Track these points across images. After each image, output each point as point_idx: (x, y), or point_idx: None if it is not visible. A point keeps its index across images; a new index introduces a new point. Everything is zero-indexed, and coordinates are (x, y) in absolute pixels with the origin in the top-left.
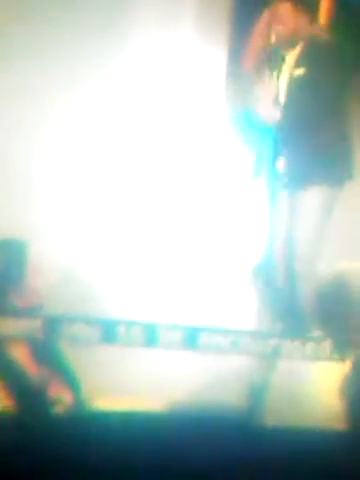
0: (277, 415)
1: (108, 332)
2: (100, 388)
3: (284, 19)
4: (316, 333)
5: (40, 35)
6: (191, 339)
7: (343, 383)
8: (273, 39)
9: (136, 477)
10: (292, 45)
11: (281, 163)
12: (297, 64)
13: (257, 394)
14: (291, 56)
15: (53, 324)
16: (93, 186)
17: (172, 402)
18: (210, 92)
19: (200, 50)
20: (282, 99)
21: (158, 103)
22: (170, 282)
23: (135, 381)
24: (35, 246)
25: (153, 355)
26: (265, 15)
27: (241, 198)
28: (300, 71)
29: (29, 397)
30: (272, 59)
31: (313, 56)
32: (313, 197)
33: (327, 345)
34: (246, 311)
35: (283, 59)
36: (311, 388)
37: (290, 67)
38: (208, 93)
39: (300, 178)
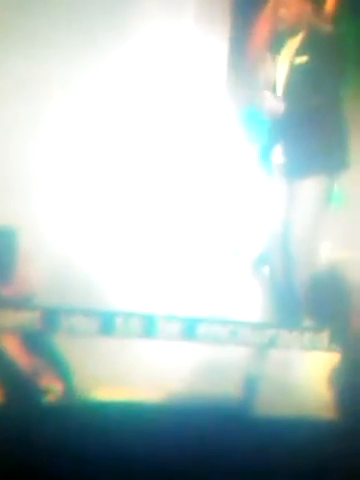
0: (274, 405)
1: (106, 323)
2: (98, 379)
3: (289, 4)
4: (309, 322)
5: (40, 27)
6: (190, 330)
7: (336, 372)
8: (277, 25)
9: (133, 467)
10: (295, 32)
11: (279, 152)
12: (298, 51)
13: (254, 384)
14: (293, 43)
15: (51, 316)
16: (91, 176)
17: (170, 393)
18: (212, 83)
19: (202, 41)
20: (281, 86)
21: (159, 95)
22: (168, 273)
23: (133, 372)
24: (33, 237)
25: (152, 346)
26: (271, 2)
27: (239, 189)
28: (300, 59)
29: (19, 387)
30: (275, 46)
31: (314, 45)
32: (311, 186)
33: (325, 335)
34: (244, 302)
35: (285, 46)
36: (306, 378)
37: (291, 54)
38: (210, 84)
39: (298, 167)
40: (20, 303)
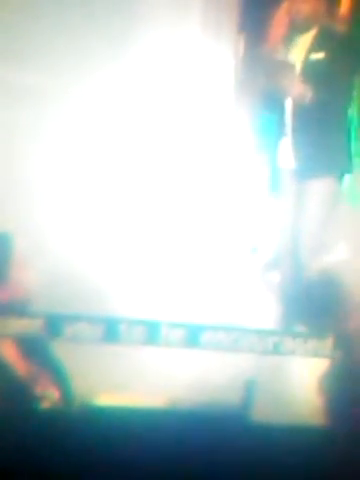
0: (276, 412)
1: (110, 330)
2: (101, 385)
3: (303, 1)
4: (310, 328)
5: (41, 35)
6: (193, 337)
7: (328, 378)
8: (292, 21)
9: (133, 473)
10: (307, 29)
11: (288, 153)
12: (310, 49)
13: (256, 391)
14: (305, 40)
15: (54, 322)
16: (94, 183)
17: (174, 400)
18: (219, 90)
19: (209, 48)
20: None
21: (164, 102)
22: (172, 280)
23: (137, 379)
24: (36, 243)
25: (155, 353)
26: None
27: (245, 195)
28: (312, 56)
29: (15, 393)
30: (287, 42)
31: (326, 43)
32: (320, 189)
33: (328, 342)
34: (248, 309)
35: (297, 42)
36: (309, 385)
37: (303, 51)
38: (217, 92)
39: (307, 168)
40: (23, 310)
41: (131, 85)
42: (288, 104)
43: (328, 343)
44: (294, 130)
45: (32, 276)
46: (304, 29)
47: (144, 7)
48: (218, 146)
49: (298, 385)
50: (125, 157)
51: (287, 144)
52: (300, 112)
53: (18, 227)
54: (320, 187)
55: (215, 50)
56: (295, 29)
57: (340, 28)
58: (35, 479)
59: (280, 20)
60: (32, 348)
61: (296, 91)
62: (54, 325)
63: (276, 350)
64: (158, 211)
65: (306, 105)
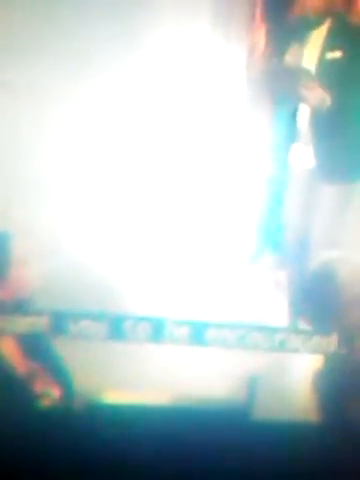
0: (283, 409)
1: (115, 328)
2: (107, 383)
3: None
4: (306, 325)
5: (45, 34)
6: (198, 334)
7: (338, 376)
8: (303, 14)
9: (140, 471)
10: (320, 22)
11: (302, 155)
12: (326, 44)
13: (261, 388)
14: (319, 34)
15: (59, 320)
16: (100, 181)
17: (178, 397)
18: (230, 91)
19: (219, 48)
20: None
21: (172, 104)
22: (177, 277)
23: (142, 376)
24: (41, 241)
25: (160, 350)
26: None
27: (253, 191)
28: (328, 52)
29: (14, 391)
30: (301, 37)
31: (343, 37)
32: (335, 192)
33: (334, 339)
34: (253, 306)
35: (311, 37)
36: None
37: (318, 47)
38: (228, 92)
39: (323, 171)
40: (26, 307)
41: (138, 85)
42: (304, 106)
43: (333, 340)
44: (309, 132)
45: (35, 274)
46: (317, 23)
47: (151, 5)
48: (230, 148)
49: (303, 382)
50: (131, 156)
51: (302, 146)
52: (317, 114)
53: (22, 225)
54: (336, 189)
55: (226, 50)
56: (308, 25)
57: (353, 22)
58: (37, 479)
59: (293, 19)
60: (33, 345)
61: (314, 96)
62: (58, 322)
63: (282, 347)
64: (163, 207)
65: (324, 108)
